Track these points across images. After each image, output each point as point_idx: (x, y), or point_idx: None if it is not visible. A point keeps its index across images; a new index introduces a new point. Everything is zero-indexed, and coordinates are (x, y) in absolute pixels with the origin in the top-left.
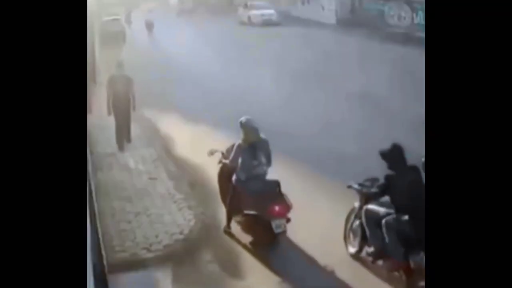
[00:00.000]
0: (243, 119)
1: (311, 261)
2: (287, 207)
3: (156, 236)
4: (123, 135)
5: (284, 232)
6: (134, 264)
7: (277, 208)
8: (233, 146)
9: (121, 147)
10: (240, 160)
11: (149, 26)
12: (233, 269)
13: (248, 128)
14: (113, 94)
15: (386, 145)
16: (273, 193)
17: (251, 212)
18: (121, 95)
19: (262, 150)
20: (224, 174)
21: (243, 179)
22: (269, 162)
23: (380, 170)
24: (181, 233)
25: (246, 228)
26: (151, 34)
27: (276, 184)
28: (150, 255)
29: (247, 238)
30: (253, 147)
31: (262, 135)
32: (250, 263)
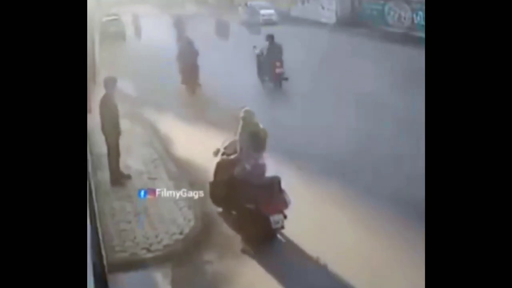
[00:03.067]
0: (242, 111)
1: (307, 258)
2: (286, 203)
3: (156, 236)
4: (114, 169)
5: (282, 227)
6: (134, 264)
7: (276, 203)
8: (232, 142)
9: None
10: (244, 151)
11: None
12: (232, 269)
13: (248, 119)
14: (103, 118)
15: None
16: (273, 188)
17: (250, 206)
18: (113, 119)
19: (263, 138)
20: (223, 169)
21: (249, 168)
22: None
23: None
24: (181, 233)
25: (244, 222)
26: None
27: (277, 180)
28: (150, 255)
29: (244, 233)
30: (254, 136)
31: (261, 125)
32: (250, 263)
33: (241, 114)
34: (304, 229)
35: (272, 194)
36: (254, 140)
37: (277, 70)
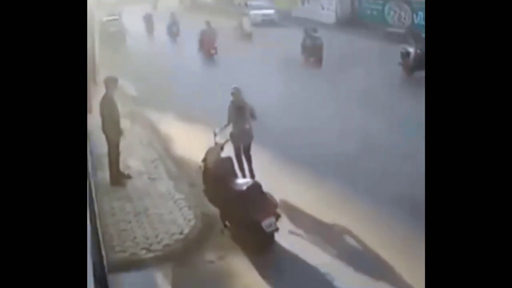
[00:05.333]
0: (232, 88)
1: (306, 258)
2: (273, 205)
3: (156, 236)
4: (114, 169)
5: (276, 229)
6: (134, 264)
7: (262, 208)
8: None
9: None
10: (231, 119)
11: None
12: (232, 269)
13: (236, 95)
14: (103, 118)
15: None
16: (256, 195)
17: (241, 214)
18: (113, 119)
19: (247, 110)
20: (214, 176)
21: (236, 133)
22: (253, 117)
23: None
24: (181, 233)
25: (238, 230)
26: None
27: (255, 185)
28: (150, 255)
29: (241, 240)
30: (240, 108)
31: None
32: (250, 262)
33: (231, 91)
34: (303, 229)
35: (254, 201)
36: (239, 112)
37: None
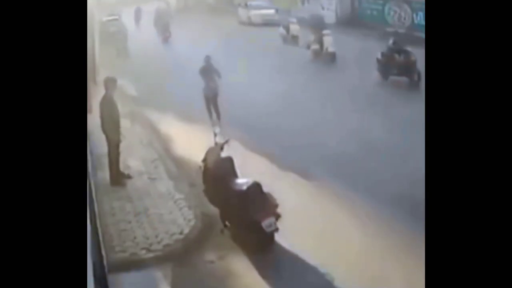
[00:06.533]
0: (205, 56)
1: (306, 259)
2: (273, 205)
3: (156, 236)
4: (114, 169)
5: (276, 229)
6: (134, 264)
7: (263, 208)
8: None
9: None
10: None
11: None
12: (232, 269)
13: (207, 61)
14: (103, 118)
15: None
16: (256, 195)
17: (241, 214)
18: (113, 119)
19: (213, 72)
20: (214, 176)
21: (206, 88)
22: (219, 77)
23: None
24: (181, 233)
25: (238, 230)
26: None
27: (255, 185)
28: (150, 255)
29: (241, 241)
30: (209, 71)
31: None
32: (250, 262)
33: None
34: (303, 231)
35: (254, 201)
36: (208, 73)
37: None
